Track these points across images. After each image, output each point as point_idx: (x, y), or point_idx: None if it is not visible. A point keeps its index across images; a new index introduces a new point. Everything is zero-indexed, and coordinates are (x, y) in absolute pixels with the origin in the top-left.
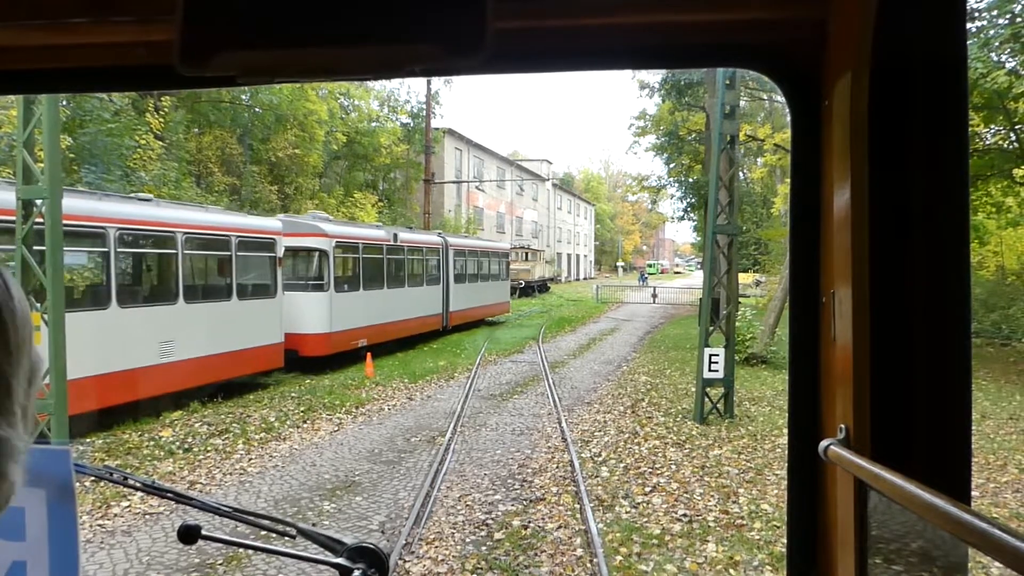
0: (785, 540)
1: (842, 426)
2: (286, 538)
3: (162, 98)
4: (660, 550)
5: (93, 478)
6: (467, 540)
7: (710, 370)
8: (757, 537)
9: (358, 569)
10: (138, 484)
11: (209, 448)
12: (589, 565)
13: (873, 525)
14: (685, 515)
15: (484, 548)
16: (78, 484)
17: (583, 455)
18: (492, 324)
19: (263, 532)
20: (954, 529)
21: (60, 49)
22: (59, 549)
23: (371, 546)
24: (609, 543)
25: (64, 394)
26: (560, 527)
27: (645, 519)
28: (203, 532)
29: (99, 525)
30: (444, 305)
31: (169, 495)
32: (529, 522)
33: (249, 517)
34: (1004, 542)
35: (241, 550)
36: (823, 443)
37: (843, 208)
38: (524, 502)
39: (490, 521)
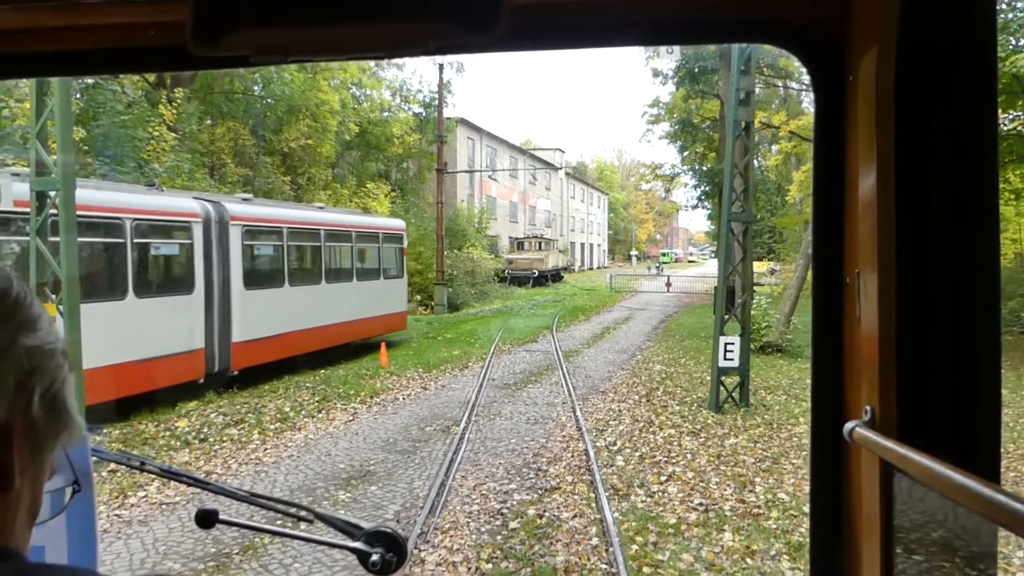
0: (807, 527)
1: (867, 407)
2: (303, 523)
3: (175, 89)
4: (676, 539)
5: (111, 467)
6: (482, 529)
7: (725, 359)
8: (774, 526)
9: (376, 553)
10: (155, 469)
11: (225, 438)
12: (605, 554)
13: (899, 508)
14: (701, 504)
15: (499, 537)
16: (95, 473)
17: (598, 444)
18: (504, 313)
19: (280, 517)
20: (985, 510)
21: (70, 31)
22: (77, 534)
23: (389, 530)
24: (625, 532)
25: (81, 386)
26: (575, 516)
27: (661, 508)
28: (220, 517)
29: (116, 515)
30: (213, 332)
31: (186, 480)
32: (544, 511)
33: (266, 502)
34: None
35: (257, 537)
36: (848, 425)
37: (869, 187)
38: (539, 491)
39: (505, 510)
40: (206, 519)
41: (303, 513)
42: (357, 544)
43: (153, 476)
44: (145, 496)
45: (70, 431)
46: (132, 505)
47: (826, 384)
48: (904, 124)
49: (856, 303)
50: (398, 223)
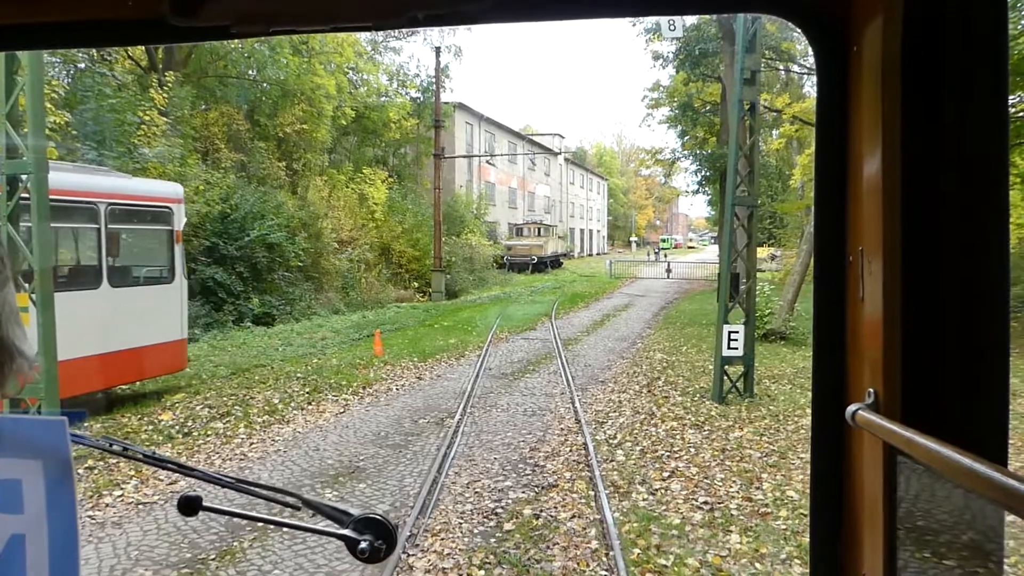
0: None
1: (871, 390)
2: (290, 510)
3: (167, 73)
4: (680, 541)
5: (88, 463)
6: (475, 531)
7: (729, 347)
8: (783, 527)
9: (365, 540)
10: (139, 455)
11: (210, 432)
12: (605, 559)
13: (902, 493)
14: (706, 503)
15: (493, 540)
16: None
17: (597, 437)
18: (503, 300)
19: (267, 504)
20: (995, 494)
21: (41, 2)
22: (58, 522)
23: (378, 517)
24: (626, 534)
25: (55, 377)
26: (574, 516)
27: (664, 507)
28: (204, 504)
29: (89, 516)
30: None
31: (170, 466)
32: (541, 511)
33: (252, 488)
34: None
35: (236, 541)
36: (851, 408)
37: (873, 161)
38: (536, 489)
39: (500, 510)
40: (189, 506)
41: (290, 500)
42: (345, 531)
43: (132, 474)
44: (121, 496)
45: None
46: (107, 505)
47: (828, 366)
48: (911, 96)
49: (859, 282)
50: (167, 188)
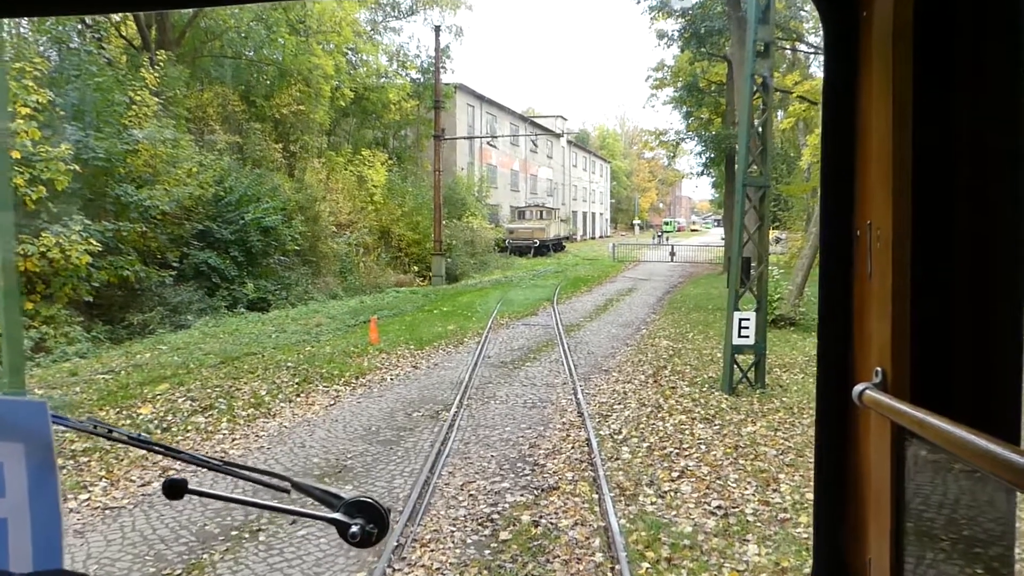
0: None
1: (878, 369)
2: (279, 493)
3: (159, 51)
4: (693, 553)
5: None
6: (468, 540)
7: (740, 335)
8: (805, 535)
9: (356, 524)
10: (124, 437)
11: (190, 427)
12: (610, 574)
13: (910, 474)
14: (719, 507)
15: (487, 552)
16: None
17: (601, 432)
18: (504, 284)
19: (255, 487)
20: (1010, 475)
21: None
22: (41, 505)
23: (369, 500)
24: (633, 545)
25: (21, 368)
26: (576, 524)
27: (674, 512)
28: (190, 487)
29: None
30: None
31: (156, 449)
32: (540, 517)
33: (241, 471)
34: None
35: (206, 553)
36: (857, 387)
37: (883, 132)
38: (535, 491)
39: (496, 516)
40: (174, 489)
41: (279, 483)
42: (336, 515)
43: (100, 475)
44: (88, 500)
45: None
46: (71, 511)
47: (833, 345)
48: (922, 62)
49: (867, 258)
50: None
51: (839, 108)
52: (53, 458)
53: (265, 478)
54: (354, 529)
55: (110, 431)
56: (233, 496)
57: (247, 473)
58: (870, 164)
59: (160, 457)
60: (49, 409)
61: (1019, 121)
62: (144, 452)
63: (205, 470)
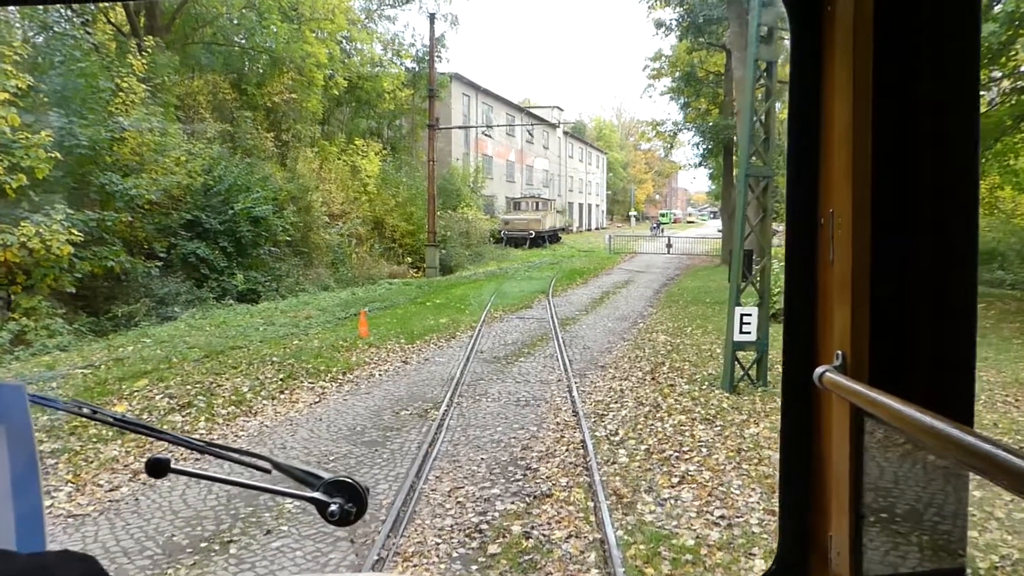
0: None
1: (839, 352)
2: (260, 472)
3: (146, 38)
4: (696, 569)
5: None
6: (454, 554)
7: (741, 332)
8: None
9: (335, 504)
10: (109, 418)
11: (165, 426)
12: None
13: (869, 455)
14: (723, 517)
15: (474, 567)
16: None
17: (597, 433)
18: (499, 276)
19: (237, 467)
20: (957, 453)
21: None
22: (21, 488)
23: (349, 480)
24: (631, 561)
25: None
26: (570, 536)
27: (674, 522)
28: (173, 466)
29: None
30: None
31: (140, 430)
32: (532, 527)
33: (223, 452)
34: (1010, 464)
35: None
36: (818, 370)
37: (845, 122)
38: (527, 498)
39: (484, 526)
40: (157, 468)
41: (260, 463)
42: (316, 494)
43: (66, 479)
44: (50, 507)
45: None
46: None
47: (797, 329)
48: (883, 54)
49: (829, 245)
50: None
51: (804, 100)
52: (33, 440)
53: (247, 458)
54: (333, 508)
55: (94, 412)
56: (215, 475)
57: (229, 453)
58: (833, 154)
59: (142, 438)
60: (28, 392)
61: (975, 111)
62: (113, 455)
63: (189, 449)
